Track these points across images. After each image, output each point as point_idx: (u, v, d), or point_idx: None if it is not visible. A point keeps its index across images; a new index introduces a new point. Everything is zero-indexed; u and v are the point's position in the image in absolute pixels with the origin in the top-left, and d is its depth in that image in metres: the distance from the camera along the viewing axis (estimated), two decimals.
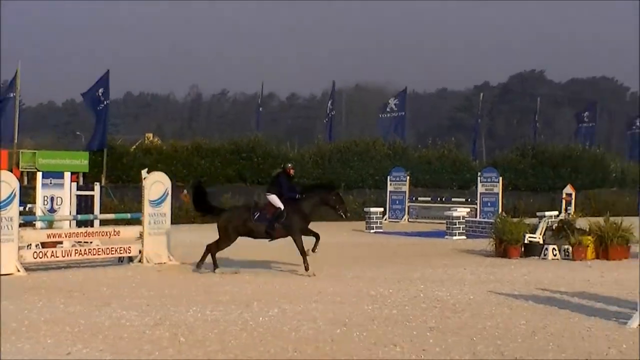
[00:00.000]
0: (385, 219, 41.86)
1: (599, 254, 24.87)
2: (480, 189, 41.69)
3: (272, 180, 21.90)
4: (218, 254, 20.90)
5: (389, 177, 45.66)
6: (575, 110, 71.09)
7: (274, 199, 20.92)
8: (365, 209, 38.69)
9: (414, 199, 45.25)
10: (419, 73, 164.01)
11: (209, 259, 20.85)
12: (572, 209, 28.14)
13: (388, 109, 56.92)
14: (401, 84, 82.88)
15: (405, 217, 44.47)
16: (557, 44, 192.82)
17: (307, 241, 20.73)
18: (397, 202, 44.63)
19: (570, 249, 24.88)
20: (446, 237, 33.23)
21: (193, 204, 22.68)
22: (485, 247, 26.66)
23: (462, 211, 34.43)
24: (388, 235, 35.89)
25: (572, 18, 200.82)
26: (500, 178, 41.58)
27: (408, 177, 45.50)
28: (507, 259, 24.97)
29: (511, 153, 58.78)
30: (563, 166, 55.58)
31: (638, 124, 65.52)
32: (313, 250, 20.69)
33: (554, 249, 25.12)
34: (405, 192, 45.13)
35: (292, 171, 21.48)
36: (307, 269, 20.45)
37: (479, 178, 42.16)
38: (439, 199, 44.73)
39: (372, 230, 37.36)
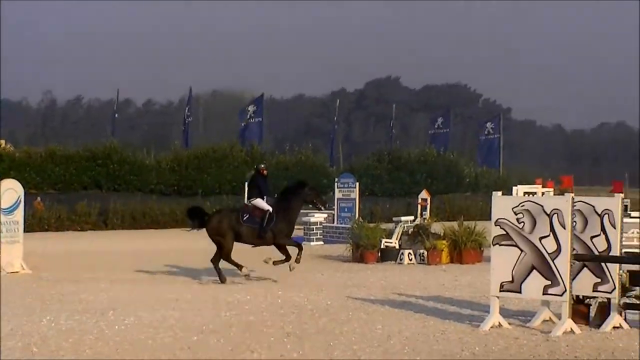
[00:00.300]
0: None
1: (453, 258, 25.35)
2: (338, 194, 41.76)
3: (250, 184, 21.78)
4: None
5: (246, 183, 45.47)
6: (430, 116, 72.03)
7: (260, 203, 20.90)
8: None
9: None
10: (275, 78, 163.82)
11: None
12: (427, 213, 28.48)
13: (248, 116, 56.79)
14: (258, 90, 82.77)
15: None
16: (411, 50, 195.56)
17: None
18: None
19: (426, 253, 25.30)
20: (304, 242, 33.34)
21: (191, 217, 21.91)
22: (343, 253, 26.91)
23: (319, 217, 34.63)
24: None
25: (425, 25, 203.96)
26: (357, 184, 41.78)
27: None
28: (364, 264, 25.24)
29: (368, 159, 59.23)
30: (419, 171, 56.30)
31: (490, 129, 66.74)
32: (297, 261, 20.99)
33: (409, 253, 25.49)
34: None
35: (265, 171, 21.58)
36: (293, 265, 20.88)
37: (336, 184, 42.26)
38: None
39: None
